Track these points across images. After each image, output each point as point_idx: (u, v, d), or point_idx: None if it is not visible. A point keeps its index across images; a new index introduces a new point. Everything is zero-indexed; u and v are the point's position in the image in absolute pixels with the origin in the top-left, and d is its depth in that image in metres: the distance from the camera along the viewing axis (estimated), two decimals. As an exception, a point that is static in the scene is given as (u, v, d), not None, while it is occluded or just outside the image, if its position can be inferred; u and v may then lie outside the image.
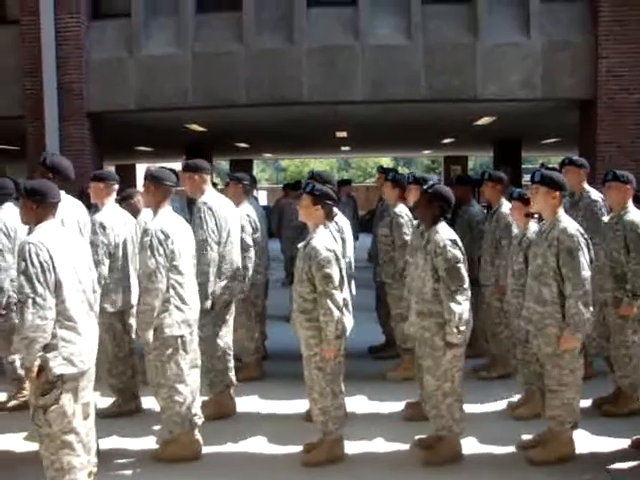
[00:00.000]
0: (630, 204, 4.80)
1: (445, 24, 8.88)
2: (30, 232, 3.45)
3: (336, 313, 3.94)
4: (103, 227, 4.83)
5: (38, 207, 3.44)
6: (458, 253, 4.02)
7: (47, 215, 3.46)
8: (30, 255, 3.24)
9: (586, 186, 5.53)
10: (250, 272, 5.70)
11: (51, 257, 3.28)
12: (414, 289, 4.21)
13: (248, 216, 5.87)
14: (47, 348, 3.26)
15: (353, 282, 5.14)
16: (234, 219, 5.07)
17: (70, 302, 3.34)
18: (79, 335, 3.38)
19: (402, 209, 5.67)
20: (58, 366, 3.30)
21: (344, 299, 4.08)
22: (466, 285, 4.02)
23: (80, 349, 3.38)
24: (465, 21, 8.85)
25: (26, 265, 3.22)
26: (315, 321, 4.00)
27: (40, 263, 3.23)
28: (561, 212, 4.08)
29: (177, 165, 16.85)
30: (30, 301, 3.19)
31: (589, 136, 8.98)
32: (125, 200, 5.60)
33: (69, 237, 3.58)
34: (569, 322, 3.90)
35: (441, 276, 4.00)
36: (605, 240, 4.86)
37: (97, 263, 4.72)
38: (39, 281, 3.21)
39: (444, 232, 4.09)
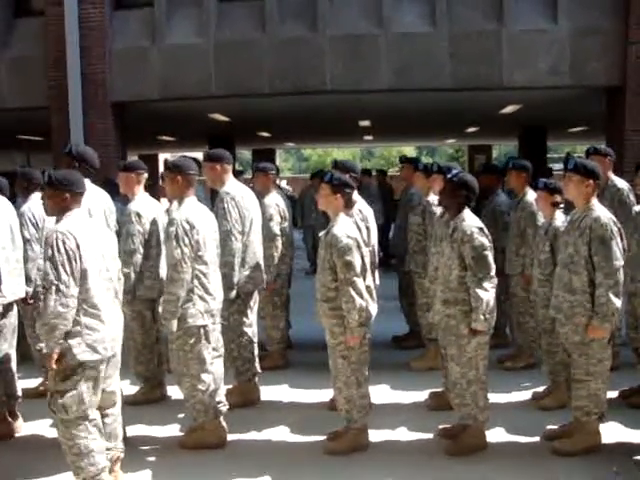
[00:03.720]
0: None
1: (470, 11, 8.76)
2: (58, 221, 3.48)
3: (358, 301, 3.94)
4: (139, 216, 4.85)
5: (67, 196, 3.46)
6: (485, 240, 4.00)
7: (74, 204, 3.49)
8: (57, 243, 3.27)
9: (611, 175, 5.46)
10: (276, 261, 5.71)
11: (78, 246, 3.30)
12: (440, 277, 4.19)
13: (277, 205, 5.88)
14: (71, 335, 3.30)
15: (377, 271, 5.11)
16: (256, 209, 5.07)
17: (95, 290, 3.37)
18: (102, 322, 3.40)
19: (435, 198, 5.63)
20: (82, 353, 3.33)
21: (367, 286, 4.08)
22: (493, 272, 4.00)
23: (103, 336, 3.41)
24: (490, 7, 8.71)
25: (52, 252, 3.26)
26: (338, 309, 4.00)
27: (66, 251, 3.27)
28: (594, 201, 4.02)
29: (198, 154, 16.90)
30: (54, 288, 3.23)
31: (617, 124, 8.82)
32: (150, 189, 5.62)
33: (95, 226, 3.61)
34: (598, 311, 3.86)
35: (468, 264, 3.97)
36: (637, 230, 4.78)
37: (133, 252, 4.77)
38: (64, 269, 3.24)
39: (470, 220, 4.07)
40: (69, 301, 3.25)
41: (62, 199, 3.46)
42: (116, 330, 3.55)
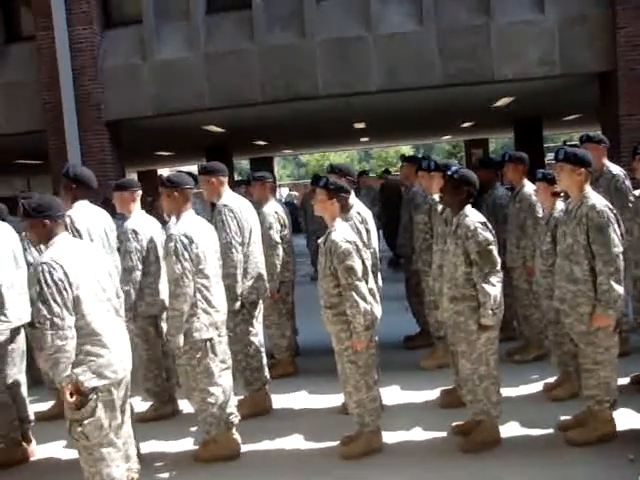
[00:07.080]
0: None
1: (456, 7, 8.80)
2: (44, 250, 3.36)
3: (362, 304, 3.93)
4: (135, 233, 4.87)
5: (47, 223, 3.36)
6: (489, 235, 3.99)
7: (57, 230, 3.39)
8: (44, 276, 3.16)
9: (606, 162, 5.43)
10: (278, 269, 5.72)
11: (66, 274, 3.20)
12: (446, 275, 4.18)
13: (276, 213, 5.89)
14: (75, 364, 3.22)
15: (379, 273, 5.11)
16: (254, 218, 5.09)
17: (92, 315, 3.28)
18: (105, 347, 3.32)
19: None
20: (89, 380, 3.27)
21: (370, 289, 4.08)
22: (498, 267, 3.99)
23: (109, 360, 3.33)
24: (477, 2, 8.75)
25: (40, 287, 3.15)
26: (343, 315, 4.00)
27: (54, 282, 3.16)
28: (588, 189, 4.01)
29: (194, 168, 16.87)
30: (48, 323, 3.12)
31: (611, 109, 8.83)
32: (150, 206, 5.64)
33: (84, 247, 3.53)
34: (600, 299, 3.84)
35: (473, 259, 3.97)
36: (638, 214, 4.76)
37: (132, 269, 4.78)
38: (55, 301, 3.14)
39: (473, 215, 4.06)
40: (66, 333, 3.15)
41: (43, 226, 3.36)
42: (123, 351, 3.47)
